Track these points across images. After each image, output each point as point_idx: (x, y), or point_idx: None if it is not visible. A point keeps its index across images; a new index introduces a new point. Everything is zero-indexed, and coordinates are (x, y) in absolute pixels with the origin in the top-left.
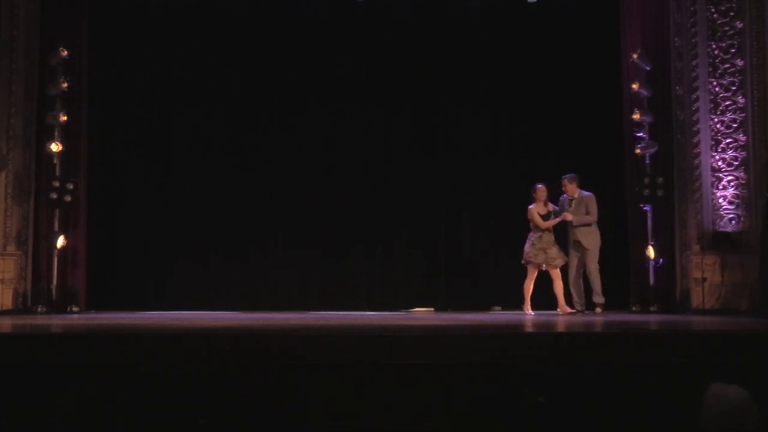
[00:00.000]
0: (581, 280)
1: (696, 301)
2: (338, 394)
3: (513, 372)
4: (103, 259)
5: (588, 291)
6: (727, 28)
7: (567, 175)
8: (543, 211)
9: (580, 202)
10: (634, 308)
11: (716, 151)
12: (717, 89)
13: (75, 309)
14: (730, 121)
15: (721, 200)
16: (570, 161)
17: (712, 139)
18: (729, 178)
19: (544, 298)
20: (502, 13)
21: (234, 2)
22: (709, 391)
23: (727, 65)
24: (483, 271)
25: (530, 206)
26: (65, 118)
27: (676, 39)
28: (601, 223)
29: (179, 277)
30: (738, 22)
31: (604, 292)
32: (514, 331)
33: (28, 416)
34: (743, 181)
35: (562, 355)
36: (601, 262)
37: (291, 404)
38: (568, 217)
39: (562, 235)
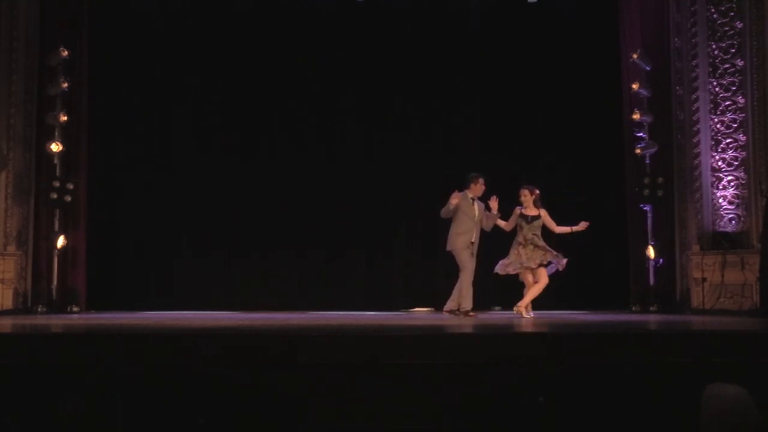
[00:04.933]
0: None
1: (696, 301)
2: (338, 394)
3: (513, 372)
4: (103, 259)
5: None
6: (727, 28)
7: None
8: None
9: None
10: (634, 308)
11: (716, 151)
12: (717, 89)
13: (75, 309)
14: (730, 121)
15: (721, 200)
16: (570, 161)
17: (712, 139)
18: (729, 178)
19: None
20: (502, 13)
21: (234, 2)
22: (708, 392)
23: (727, 65)
24: (483, 272)
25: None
26: (65, 118)
27: (676, 39)
28: (601, 223)
29: (179, 278)
30: (738, 22)
31: (604, 292)
32: (514, 331)
33: (28, 416)
34: (743, 181)
35: (562, 355)
36: (599, 262)
37: (291, 404)
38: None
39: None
